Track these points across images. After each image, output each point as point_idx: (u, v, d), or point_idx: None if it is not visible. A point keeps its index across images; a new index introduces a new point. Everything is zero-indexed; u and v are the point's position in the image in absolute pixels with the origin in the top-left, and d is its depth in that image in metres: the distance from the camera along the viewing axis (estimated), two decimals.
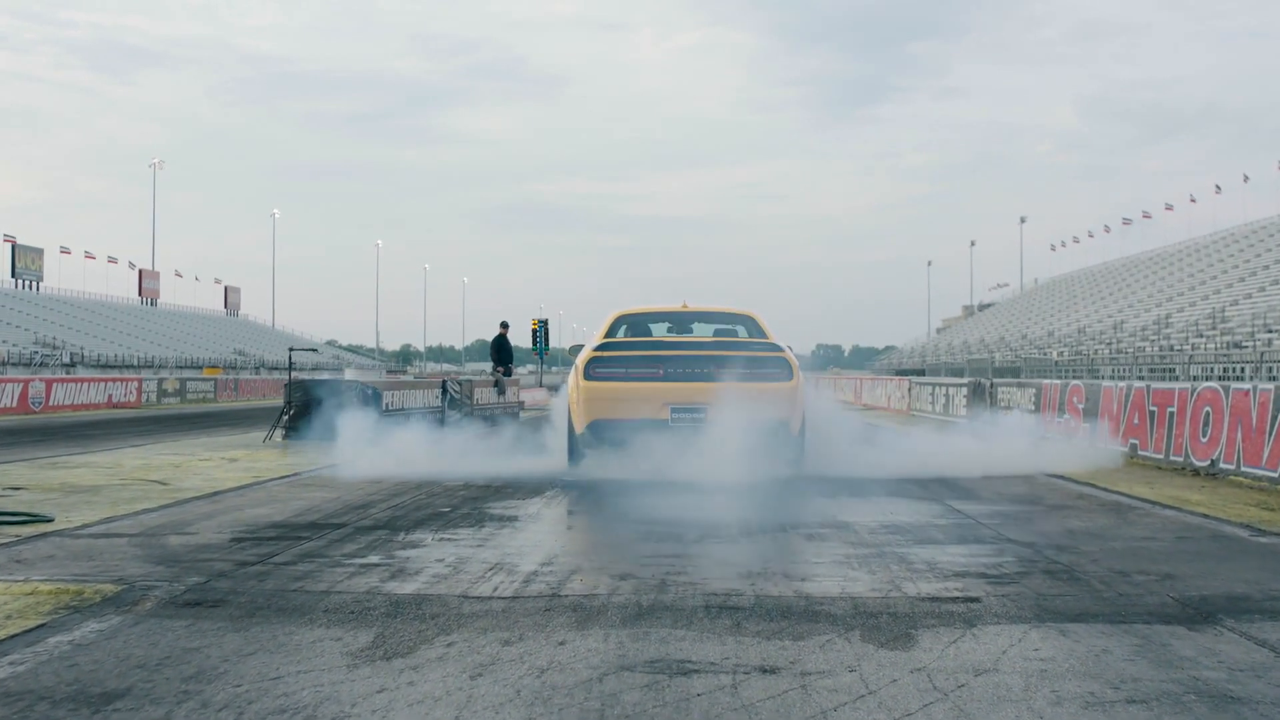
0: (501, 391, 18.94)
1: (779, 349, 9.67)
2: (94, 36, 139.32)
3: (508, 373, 20.21)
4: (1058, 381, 15.21)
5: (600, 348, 9.69)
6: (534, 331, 30.12)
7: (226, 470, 10.41)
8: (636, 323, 10.86)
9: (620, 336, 10.44)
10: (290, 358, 15.25)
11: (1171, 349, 37.25)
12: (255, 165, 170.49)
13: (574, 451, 9.68)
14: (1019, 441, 12.22)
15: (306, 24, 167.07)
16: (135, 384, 28.15)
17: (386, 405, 15.57)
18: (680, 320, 11.19)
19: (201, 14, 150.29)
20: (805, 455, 9.50)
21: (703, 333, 11.04)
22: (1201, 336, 36.90)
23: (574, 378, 9.59)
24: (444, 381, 17.33)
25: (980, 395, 18.80)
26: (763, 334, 10.34)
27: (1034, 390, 16.11)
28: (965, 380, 20.36)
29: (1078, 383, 14.38)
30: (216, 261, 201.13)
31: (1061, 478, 9.86)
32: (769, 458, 8.96)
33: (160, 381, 29.81)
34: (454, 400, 17.27)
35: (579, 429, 9.41)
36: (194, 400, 30.87)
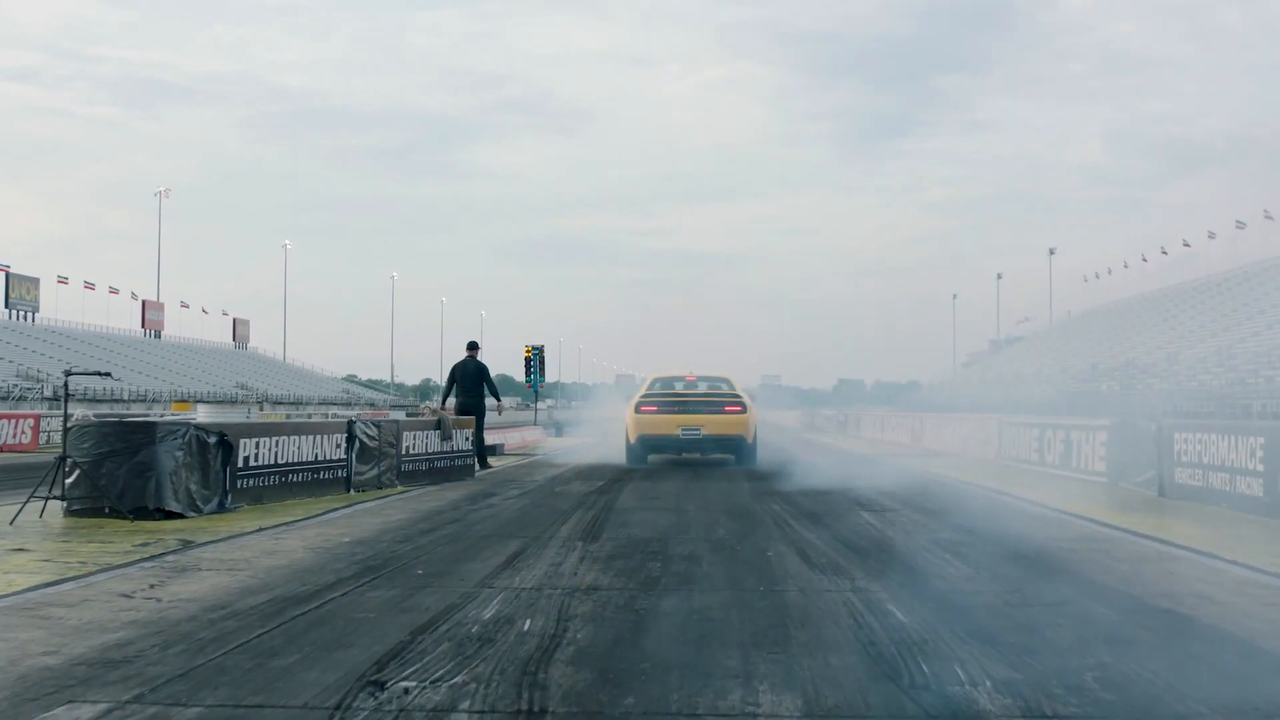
0: (446, 436, 13.10)
1: (739, 396, 15.72)
2: (124, 73, 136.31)
3: (474, 410, 14.43)
4: None
5: (643, 398, 15.83)
6: (528, 360, 24.38)
7: None
8: (665, 381, 16.58)
9: (655, 390, 16.14)
10: (66, 385, 8.98)
11: (1242, 382, 31.41)
12: (280, 200, 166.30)
13: (630, 454, 15.62)
14: None
15: (336, 59, 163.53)
16: (31, 421, 22.58)
17: (245, 460, 9.80)
18: (685, 382, 16.75)
19: (232, 50, 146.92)
20: (757, 457, 15.49)
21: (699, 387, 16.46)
22: (1275, 369, 31.40)
23: (629, 411, 15.87)
24: (349, 423, 11.50)
25: (1139, 443, 12.58)
26: (733, 387, 16.11)
27: (1260, 441, 9.96)
28: (1105, 422, 14.03)
29: None
30: (240, 297, 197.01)
31: None
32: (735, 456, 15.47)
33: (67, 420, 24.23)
34: (365, 450, 11.47)
35: (632, 440, 15.52)
36: None
